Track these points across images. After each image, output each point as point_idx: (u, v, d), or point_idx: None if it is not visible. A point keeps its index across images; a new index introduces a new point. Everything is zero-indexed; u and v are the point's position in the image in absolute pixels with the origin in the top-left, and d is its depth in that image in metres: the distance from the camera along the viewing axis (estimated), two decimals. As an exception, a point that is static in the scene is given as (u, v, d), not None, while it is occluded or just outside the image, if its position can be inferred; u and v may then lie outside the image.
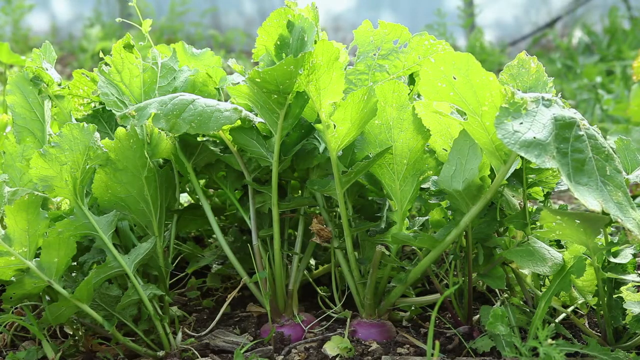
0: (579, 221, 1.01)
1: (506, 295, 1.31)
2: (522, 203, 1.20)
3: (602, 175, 0.98)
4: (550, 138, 0.96)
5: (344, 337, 1.23)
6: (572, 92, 3.87)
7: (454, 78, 1.02)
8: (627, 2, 5.61)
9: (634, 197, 1.63)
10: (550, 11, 6.56)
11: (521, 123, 0.96)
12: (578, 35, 5.66)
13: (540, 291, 1.27)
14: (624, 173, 1.01)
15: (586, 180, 0.96)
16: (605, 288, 1.16)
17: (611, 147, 1.03)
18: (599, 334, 1.21)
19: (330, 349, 1.20)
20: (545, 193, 1.26)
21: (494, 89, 1.00)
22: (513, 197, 1.22)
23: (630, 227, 0.95)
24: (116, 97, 1.34)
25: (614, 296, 1.17)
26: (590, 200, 0.93)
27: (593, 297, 1.21)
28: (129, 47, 1.36)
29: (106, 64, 1.35)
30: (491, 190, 1.11)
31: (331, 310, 1.36)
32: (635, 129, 1.39)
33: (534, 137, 0.95)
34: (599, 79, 3.83)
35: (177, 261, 1.48)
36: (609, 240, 1.12)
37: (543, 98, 1.00)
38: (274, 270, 1.30)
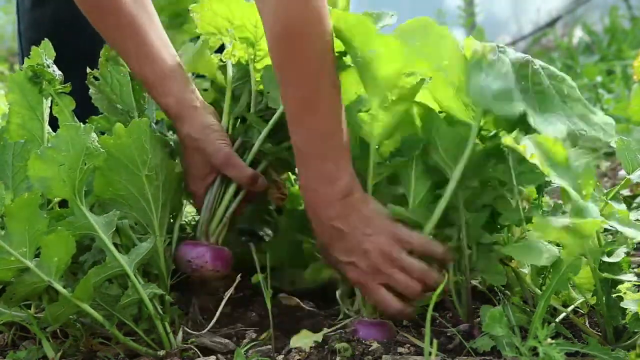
0: (571, 226, 1.01)
1: (507, 293, 1.31)
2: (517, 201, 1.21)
3: (561, 95, 1.07)
4: (513, 81, 1.04)
5: (344, 337, 1.23)
6: (573, 92, 3.87)
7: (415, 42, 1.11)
8: (628, 2, 5.61)
9: (634, 197, 1.63)
10: (550, 11, 6.56)
11: (487, 76, 1.04)
12: (578, 34, 5.66)
13: (540, 290, 1.26)
14: (575, 88, 1.10)
15: (551, 106, 1.06)
16: (603, 288, 1.15)
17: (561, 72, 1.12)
18: (599, 333, 1.21)
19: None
20: (537, 189, 1.26)
21: (451, 43, 1.09)
22: (511, 198, 1.22)
23: (596, 134, 1.04)
24: (108, 105, 1.38)
25: (612, 295, 1.16)
26: (558, 127, 1.03)
27: (592, 296, 1.21)
28: (112, 57, 1.39)
29: (95, 78, 1.39)
30: (468, 149, 1.14)
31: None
32: (636, 128, 1.38)
33: (501, 86, 1.03)
34: (599, 79, 3.83)
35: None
36: (602, 242, 1.12)
37: (498, 46, 1.08)
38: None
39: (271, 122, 1.37)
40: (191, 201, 1.48)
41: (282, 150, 1.39)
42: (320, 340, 1.21)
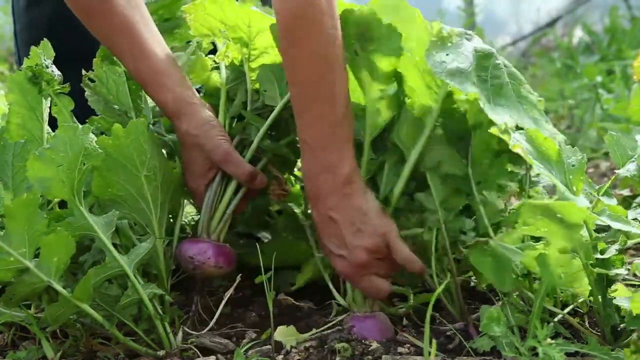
0: (559, 213, 1.01)
1: (507, 292, 1.31)
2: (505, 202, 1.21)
3: (518, 96, 1.12)
4: (471, 67, 1.09)
5: (343, 337, 1.23)
6: (573, 92, 3.87)
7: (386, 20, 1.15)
8: (628, 2, 5.61)
9: (634, 196, 1.63)
10: (550, 11, 6.56)
11: (447, 54, 1.09)
12: (578, 34, 5.66)
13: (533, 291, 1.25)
14: (536, 96, 1.16)
15: (504, 101, 1.10)
16: (598, 286, 1.15)
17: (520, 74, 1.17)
18: (598, 332, 1.21)
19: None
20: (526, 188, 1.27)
21: (420, 25, 1.13)
22: (498, 197, 1.21)
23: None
24: (105, 106, 1.38)
25: (607, 294, 1.16)
26: (505, 118, 1.06)
27: (589, 296, 1.21)
28: (108, 57, 1.39)
29: (90, 80, 1.39)
30: (427, 131, 1.18)
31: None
32: (636, 128, 1.39)
33: (458, 67, 1.08)
34: (599, 79, 3.82)
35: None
36: (594, 236, 1.12)
37: (466, 33, 1.15)
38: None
39: (270, 118, 1.37)
40: (191, 200, 1.49)
41: (281, 147, 1.39)
42: (302, 340, 1.22)
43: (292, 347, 1.22)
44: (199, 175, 1.34)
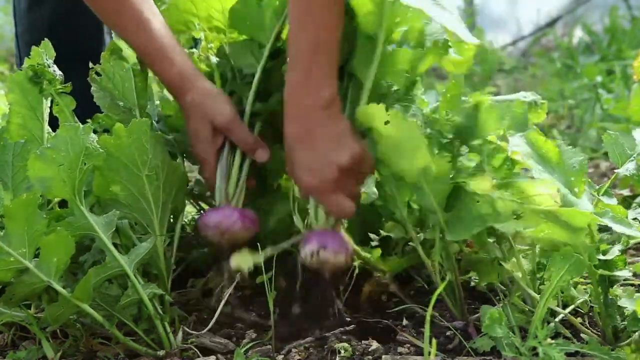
0: (563, 218, 1.01)
1: (507, 293, 1.31)
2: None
3: None
4: None
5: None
6: (573, 92, 3.86)
7: None
8: (628, 2, 5.61)
9: (634, 197, 1.62)
10: (550, 11, 6.55)
11: None
12: (578, 34, 5.65)
13: (537, 291, 1.25)
14: None
15: None
16: (600, 287, 1.15)
17: None
18: (598, 332, 1.21)
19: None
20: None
21: None
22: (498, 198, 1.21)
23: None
24: (110, 102, 1.38)
25: (609, 295, 1.16)
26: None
27: (589, 296, 1.21)
28: (116, 52, 1.39)
29: (97, 74, 1.39)
30: (377, 54, 1.24)
31: None
32: (636, 128, 1.39)
33: None
34: (599, 79, 3.82)
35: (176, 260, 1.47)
36: (597, 238, 1.12)
37: None
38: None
39: (254, 82, 1.39)
40: (195, 191, 1.49)
41: (272, 105, 1.40)
42: (260, 261, 1.26)
43: (292, 347, 1.22)
44: (207, 143, 1.36)
